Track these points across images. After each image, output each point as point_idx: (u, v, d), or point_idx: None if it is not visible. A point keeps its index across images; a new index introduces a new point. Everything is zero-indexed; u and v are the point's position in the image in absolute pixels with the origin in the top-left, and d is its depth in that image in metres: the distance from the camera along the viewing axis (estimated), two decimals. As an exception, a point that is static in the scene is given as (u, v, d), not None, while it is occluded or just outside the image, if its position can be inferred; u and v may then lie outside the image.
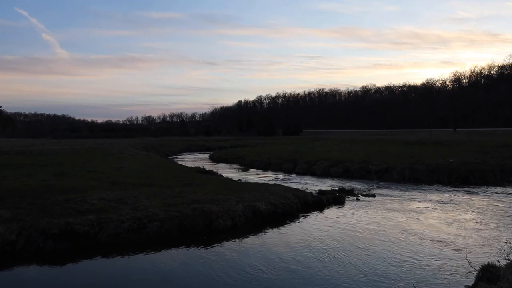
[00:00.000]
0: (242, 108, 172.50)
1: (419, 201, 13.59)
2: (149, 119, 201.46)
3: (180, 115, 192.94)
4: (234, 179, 18.73)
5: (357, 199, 14.00)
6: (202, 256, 7.98)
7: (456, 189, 16.21)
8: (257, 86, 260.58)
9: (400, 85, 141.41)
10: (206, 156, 39.81)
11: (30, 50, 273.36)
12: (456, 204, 12.96)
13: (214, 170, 22.14)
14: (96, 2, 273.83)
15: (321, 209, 12.45)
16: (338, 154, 27.34)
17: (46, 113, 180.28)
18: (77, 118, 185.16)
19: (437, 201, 13.64)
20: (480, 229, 9.74)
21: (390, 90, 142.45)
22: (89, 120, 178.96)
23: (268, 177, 21.37)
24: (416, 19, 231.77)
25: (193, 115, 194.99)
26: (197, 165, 24.85)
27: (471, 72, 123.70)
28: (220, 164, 29.94)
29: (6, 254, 7.69)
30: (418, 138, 42.39)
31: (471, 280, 6.10)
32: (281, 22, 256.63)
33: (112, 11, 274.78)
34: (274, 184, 16.20)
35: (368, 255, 7.88)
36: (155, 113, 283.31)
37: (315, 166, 23.09)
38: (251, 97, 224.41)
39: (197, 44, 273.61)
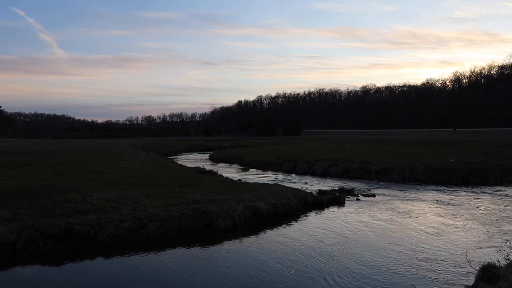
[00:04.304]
0: (242, 108, 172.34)
1: (419, 201, 13.60)
2: (149, 119, 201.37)
3: (180, 115, 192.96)
4: (234, 179, 18.74)
5: (357, 199, 14.00)
6: (202, 256, 7.98)
7: (456, 189, 16.22)
8: (256, 86, 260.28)
9: (400, 85, 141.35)
10: (206, 156, 39.81)
11: (28, 50, 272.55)
12: (456, 204, 12.96)
13: (214, 170, 22.15)
14: (93, 2, 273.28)
15: (321, 209, 12.45)
16: (338, 154, 27.34)
17: (46, 113, 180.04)
18: (77, 118, 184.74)
19: (437, 201, 13.64)
20: (480, 229, 9.74)
21: (390, 90, 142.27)
22: (89, 120, 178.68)
23: (268, 177, 21.37)
24: (414, 19, 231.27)
25: (193, 115, 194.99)
26: (197, 165, 24.85)
27: (471, 72, 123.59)
28: (220, 164, 29.94)
29: (6, 254, 7.70)
30: (418, 138, 42.32)
31: (471, 280, 6.10)
32: (280, 22, 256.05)
33: (109, 11, 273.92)
34: (274, 184, 16.20)
35: (368, 255, 7.88)
36: (155, 113, 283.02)
37: (315, 166, 23.10)
38: (251, 97, 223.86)
39: (196, 44, 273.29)
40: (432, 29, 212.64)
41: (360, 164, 21.53)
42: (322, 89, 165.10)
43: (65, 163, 20.63)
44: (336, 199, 13.47)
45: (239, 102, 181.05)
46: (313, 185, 17.80)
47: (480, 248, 8.22)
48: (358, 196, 14.48)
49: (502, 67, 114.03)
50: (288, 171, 23.94)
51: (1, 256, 7.63)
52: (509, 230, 9.64)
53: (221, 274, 6.98)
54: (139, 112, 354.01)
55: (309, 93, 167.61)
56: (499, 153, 23.96)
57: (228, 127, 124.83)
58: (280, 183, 17.39)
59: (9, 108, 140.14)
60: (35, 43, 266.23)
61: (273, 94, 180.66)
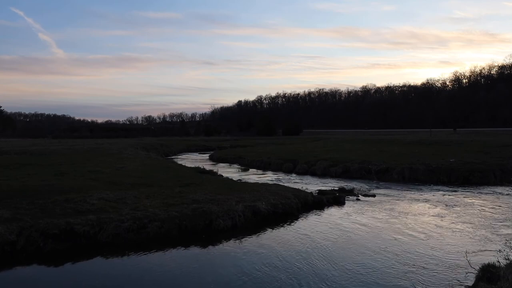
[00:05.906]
0: (242, 108, 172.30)
1: (419, 201, 13.60)
2: (149, 119, 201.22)
3: (180, 115, 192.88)
4: (234, 179, 18.74)
5: (357, 199, 14.00)
6: (202, 256, 7.98)
7: (456, 189, 16.21)
8: (256, 86, 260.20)
9: (400, 85, 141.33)
10: (206, 156, 39.80)
11: (28, 50, 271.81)
12: (456, 205, 12.96)
13: (214, 170, 22.14)
14: (93, 2, 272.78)
15: (321, 209, 12.45)
16: (338, 154, 27.34)
17: (46, 113, 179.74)
18: (77, 118, 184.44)
19: (437, 201, 13.64)
20: (480, 229, 9.74)
21: (390, 90, 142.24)
22: (89, 120, 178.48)
23: (268, 177, 21.37)
24: (414, 19, 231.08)
25: (193, 115, 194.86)
26: (197, 165, 24.85)
27: (471, 72, 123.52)
28: (220, 164, 29.94)
29: (6, 254, 7.69)
30: (418, 138, 42.31)
31: (471, 280, 6.10)
32: (280, 22, 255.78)
33: (109, 11, 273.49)
34: (274, 184, 16.20)
35: (368, 256, 7.89)
36: (155, 113, 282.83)
37: (315, 166, 23.10)
38: (251, 97, 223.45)
39: (196, 44, 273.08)
40: (432, 29, 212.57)
41: (360, 164, 21.54)
42: (322, 89, 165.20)
43: (65, 163, 20.63)
44: (336, 199, 13.48)
45: (239, 102, 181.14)
46: (313, 185, 17.80)
47: (480, 248, 8.21)
48: (358, 196, 14.48)
49: (502, 67, 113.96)
50: (288, 171, 23.95)
51: (1, 256, 7.62)
52: (509, 230, 9.63)
53: (221, 274, 6.98)
54: (139, 112, 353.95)
55: (309, 93, 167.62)
56: (499, 153, 23.95)
57: (228, 127, 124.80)
58: (280, 183, 17.39)
59: (9, 108, 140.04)
60: (34, 43, 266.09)
61: (273, 94, 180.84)
